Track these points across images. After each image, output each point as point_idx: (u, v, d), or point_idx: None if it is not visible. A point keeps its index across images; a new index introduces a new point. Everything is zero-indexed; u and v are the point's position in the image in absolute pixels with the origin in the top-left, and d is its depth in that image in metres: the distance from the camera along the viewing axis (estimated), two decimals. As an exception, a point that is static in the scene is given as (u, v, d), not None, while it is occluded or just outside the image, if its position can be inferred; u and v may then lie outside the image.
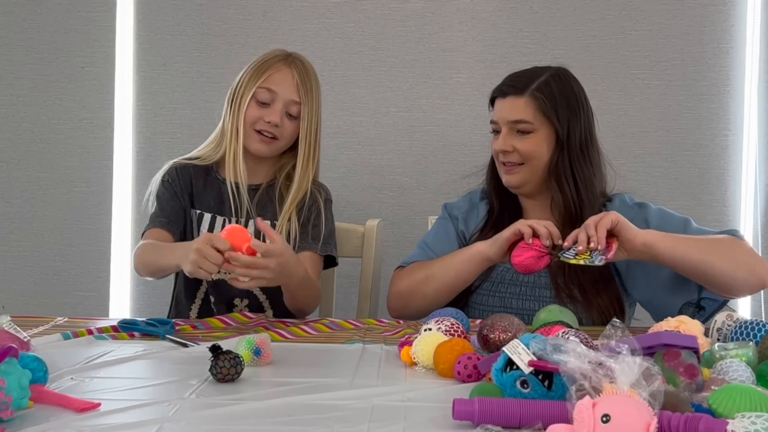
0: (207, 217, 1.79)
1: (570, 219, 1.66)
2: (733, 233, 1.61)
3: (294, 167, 1.79)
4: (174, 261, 1.56)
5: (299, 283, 1.60)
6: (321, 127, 1.81)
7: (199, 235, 1.75)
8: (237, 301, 1.78)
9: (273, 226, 1.75)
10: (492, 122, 1.73)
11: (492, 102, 1.75)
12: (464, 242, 1.77)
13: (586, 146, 1.69)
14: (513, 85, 1.69)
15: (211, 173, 1.82)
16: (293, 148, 1.79)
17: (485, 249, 1.58)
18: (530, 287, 1.68)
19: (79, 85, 2.46)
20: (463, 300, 1.70)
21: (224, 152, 1.77)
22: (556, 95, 1.67)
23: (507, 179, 1.71)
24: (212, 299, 1.79)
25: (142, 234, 1.78)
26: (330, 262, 1.81)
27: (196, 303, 1.81)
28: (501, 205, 1.77)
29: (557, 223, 1.67)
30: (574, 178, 1.67)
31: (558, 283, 1.65)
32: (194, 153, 1.84)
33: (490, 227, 1.73)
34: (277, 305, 1.77)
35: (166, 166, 1.83)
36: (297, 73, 1.75)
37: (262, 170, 1.81)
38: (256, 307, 1.78)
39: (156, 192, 1.80)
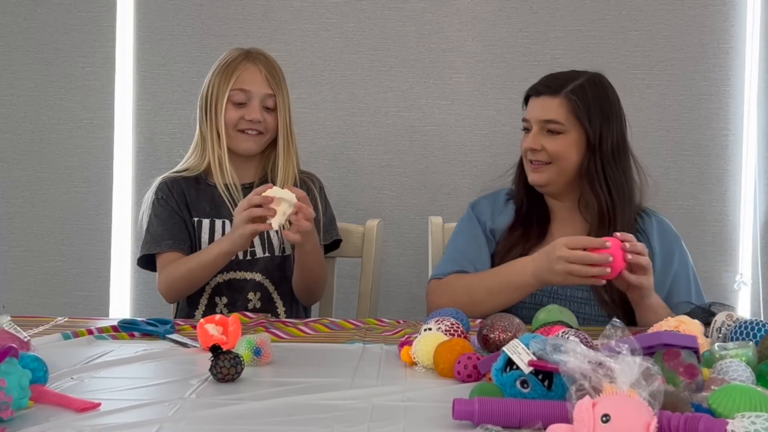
0: (206, 222, 1.81)
1: (603, 223, 1.68)
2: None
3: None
4: (223, 248, 1.66)
5: (314, 246, 1.71)
6: (293, 115, 1.85)
7: (202, 243, 1.79)
8: (251, 295, 1.81)
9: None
10: (524, 120, 1.75)
11: (525, 100, 1.77)
12: (493, 240, 1.77)
13: (618, 153, 1.72)
14: (548, 85, 1.71)
15: (201, 181, 1.84)
16: (275, 142, 1.83)
17: (545, 276, 1.53)
18: (561, 287, 1.68)
19: (79, 85, 2.46)
20: None
21: (209, 159, 1.80)
22: (590, 99, 1.69)
23: (532, 177, 1.74)
24: (219, 301, 1.81)
25: (140, 258, 1.80)
26: (334, 244, 1.89)
27: (199, 309, 1.82)
28: (529, 205, 1.78)
29: (589, 225, 1.70)
30: (607, 182, 1.69)
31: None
32: (180, 166, 1.87)
33: (519, 224, 1.75)
34: (286, 297, 1.83)
35: (155, 184, 1.85)
36: (263, 67, 1.80)
37: (250, 169, 1.85)
38: (266, 298, 1.82)
39: (153, 212, 1.81)
